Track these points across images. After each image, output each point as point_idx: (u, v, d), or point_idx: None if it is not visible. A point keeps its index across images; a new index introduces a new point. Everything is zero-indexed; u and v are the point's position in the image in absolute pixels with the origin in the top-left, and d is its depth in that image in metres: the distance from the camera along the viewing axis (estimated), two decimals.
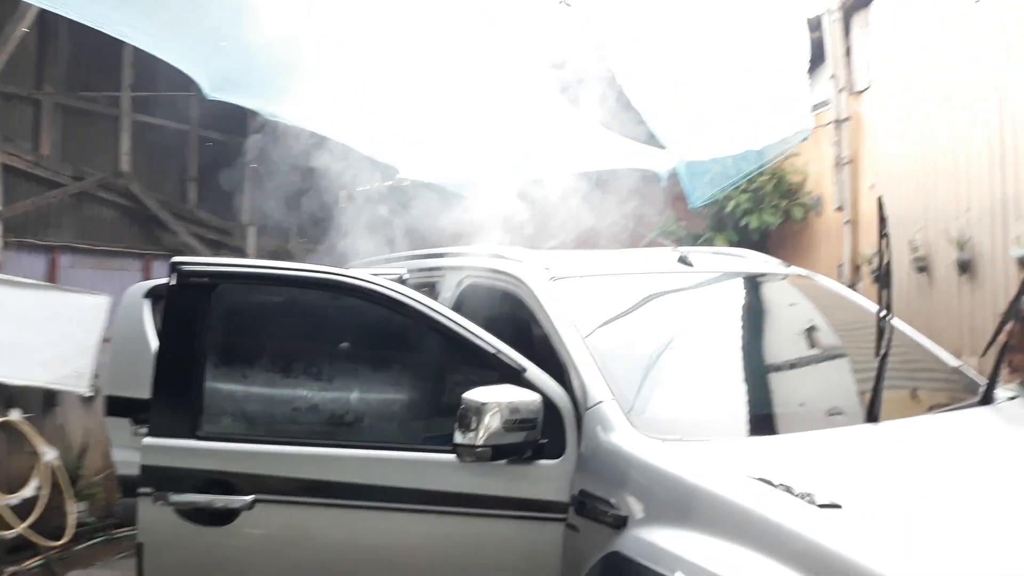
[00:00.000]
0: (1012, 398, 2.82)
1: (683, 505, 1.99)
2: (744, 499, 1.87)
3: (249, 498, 2.36)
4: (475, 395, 2.22)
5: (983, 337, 4.78)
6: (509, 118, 5.02)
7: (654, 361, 2.71)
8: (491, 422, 2.20)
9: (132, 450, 3.42)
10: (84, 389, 6.06)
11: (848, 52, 6.03)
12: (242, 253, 7.89)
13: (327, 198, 8.92)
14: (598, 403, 2.36)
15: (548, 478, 2.35)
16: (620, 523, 2.11)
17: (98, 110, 6.83)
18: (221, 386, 2.58)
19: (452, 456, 2.31)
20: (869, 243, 5.91)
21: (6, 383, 5.67)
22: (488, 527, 2.35)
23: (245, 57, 4.08)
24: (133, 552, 6.07)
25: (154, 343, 3.55)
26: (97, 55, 6.81)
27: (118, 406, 3.50)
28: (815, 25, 6.05)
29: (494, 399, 2.22)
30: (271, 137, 8.34)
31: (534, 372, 2.43)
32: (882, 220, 2.38)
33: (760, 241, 6.52)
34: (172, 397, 2.48)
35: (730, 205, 6.60)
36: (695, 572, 1.80)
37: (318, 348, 2.70)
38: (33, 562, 5.52)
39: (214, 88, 4.16)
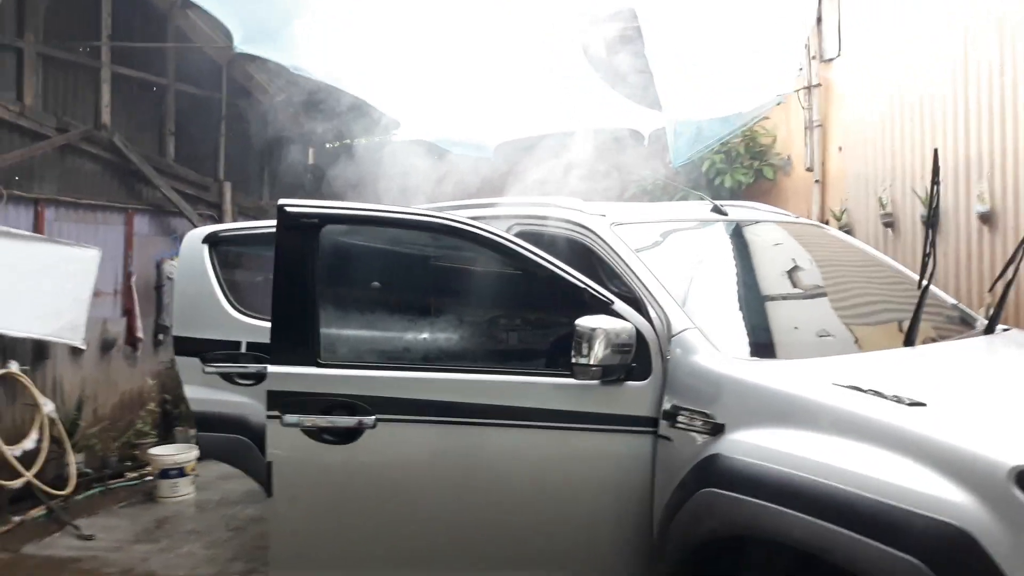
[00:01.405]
0: (1006, 330, 3.30)
1: (782, 412, 2.32)
2: (842, 402, 2.21)
3: (372, 418, 2.59)
4: (586, 322, 2.50)
5: (944, 287, 5.32)
6: (521, 76, 5.24)
7: (713, 294, 3.04)
8: (600, 346, 2.49)
9: (203, 387, 3.61)
10: (79, 342, 6.07)
11: (819, 21, 6.43)
12: (218, 208, 7.91)
13: (303, 156, 8.95)
14: (683, 331, 2.67)
15: (637, 397, 2.65)
16: (718, 431, 2.43)
17: (78, 61, 6.70)
18: (335, 317, 2.79)
19: (557, 379, 2.62)
20: (836, 200, 6.39)
21: (4, 334, 5.65)
22: (587, 440, 2.64)
23: (278, 8, 4.17)
24: (136, 501, 6.14)
25: (215, 284, 3.72)
26: (75, 5, 6.69)
27: (186, 346, 3.66)
28: None
29: (601, 326, 2.51)
30: (250, 94, 8.32)
31: (620, 305, 2.71)
32: (935, 170, 2.75)
33: (732, 199, 6.93)
34: (291, 329, 2.67)
35: (705, 165, 6.98)
36: (807, 463, 2.14)
37: (421, 284, 2.93)
38: (38, 511, 5.57)
39: (246, 39, 4.25)
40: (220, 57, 7.81)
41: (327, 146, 9.14)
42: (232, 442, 3.57)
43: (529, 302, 2.90)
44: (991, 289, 3.51)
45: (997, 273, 4.38)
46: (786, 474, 2.17)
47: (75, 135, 6.43)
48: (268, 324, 3.69)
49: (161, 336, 7.22)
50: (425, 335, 2.80)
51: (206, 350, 3.60)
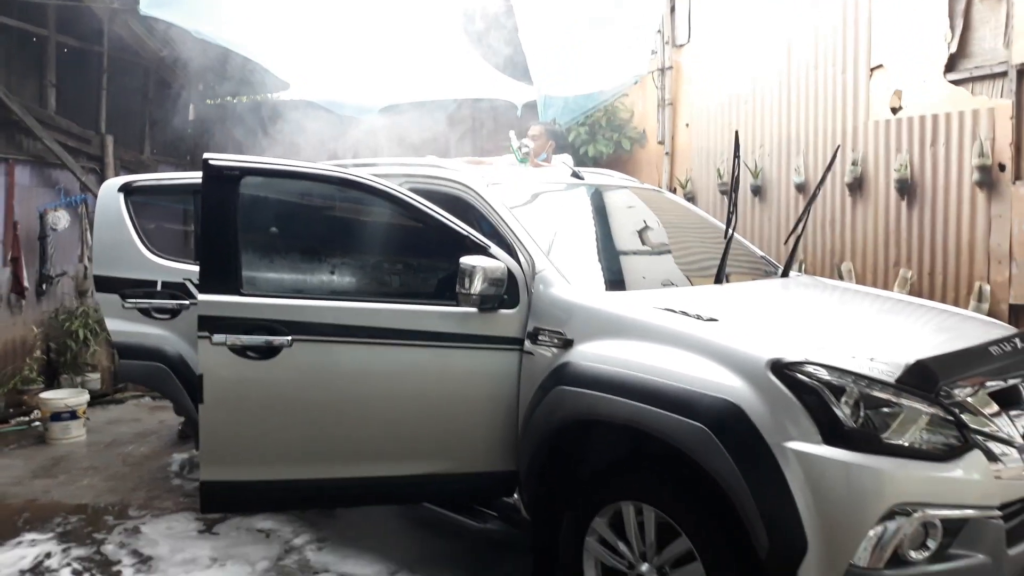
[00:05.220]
0: (798, 274, 4.19)
1: (615, 328, 3.03)
2: (658, 319, 2.95)
3: (288, 338, 3.13)
4: (468, 260, 3.12)
5: (767, 245, 6.28)
6: (403, 46, 5.74)
7: (567, 242, 3.73)
8: (479, 280, 3.12)
9: (123, 320, 4.02)
10: None
11: (672, 10, 7.24)
12: (100, 161, 8.00)
13: (184, 113, 9.08)
14: (543, 269, 3.34)
15: (508, 321, 3.30)
16: (568, 344, 3.12)
17: None
18: (253, 254, 3.29)
19: (444, 307, 3.23)
20: (683, 171, 7.27)
21: None
22: (469, 356, 3.28)
23: None
24: (27, 443, 6.33)
25: (132, 229, 4.11)
26: None
27: (105, 284, 4.05)
28: None
29: (480, 264, 3.13)
30: (131, 48, 8.38)
31: (495, 248, 3.35)
32: (736, 147, 3.52)
33: (595, 167, 7.69)
34: (217, 263, 3.15)
35: (571, 135, 7.70)
36: (631, 363, 2.86)
37: (327, 227, 3.45)
38: None
39: (151, 4, 4.55)
40: (101, 11, 7.85)
41: (207, 102, 9.29)
42: (150, 368, 4.01)
43: (422, 246, 3.49)
44: (785, 242, 4.37)
45: (810, 233, 5.33)
46: (615, 371, 2.89)
47: None
48: (180, 265, 4.17)
49: (44, 286, 7.33)
50: (334, 271, 3.34)
51: (125, 287, 4.01)
